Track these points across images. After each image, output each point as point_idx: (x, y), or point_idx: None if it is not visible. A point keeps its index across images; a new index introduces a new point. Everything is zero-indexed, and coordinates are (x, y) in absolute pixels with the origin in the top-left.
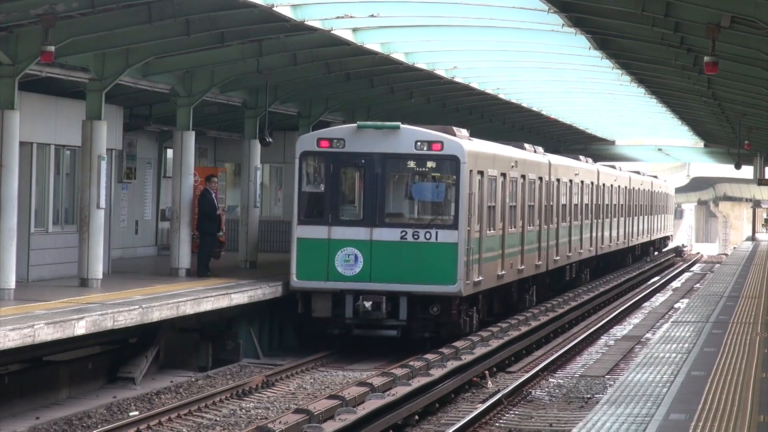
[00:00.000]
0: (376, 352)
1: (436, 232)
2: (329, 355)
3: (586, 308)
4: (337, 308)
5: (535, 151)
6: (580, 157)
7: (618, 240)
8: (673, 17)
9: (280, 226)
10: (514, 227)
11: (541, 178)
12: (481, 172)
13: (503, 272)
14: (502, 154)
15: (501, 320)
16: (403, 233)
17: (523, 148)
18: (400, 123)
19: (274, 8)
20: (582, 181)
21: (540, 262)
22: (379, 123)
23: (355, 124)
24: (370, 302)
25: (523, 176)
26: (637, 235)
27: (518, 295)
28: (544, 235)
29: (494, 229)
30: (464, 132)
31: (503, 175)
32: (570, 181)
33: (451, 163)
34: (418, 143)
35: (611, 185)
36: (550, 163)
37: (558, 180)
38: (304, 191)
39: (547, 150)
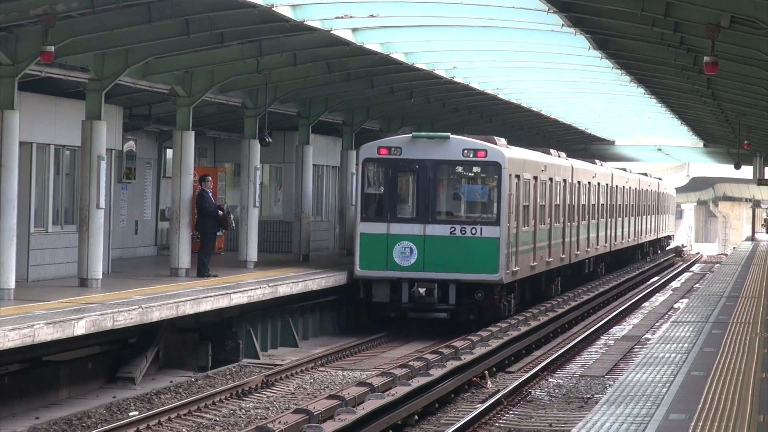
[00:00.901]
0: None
1: (481, 228)
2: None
3: (586, 308)
4: (395, 294)
5: (559, 156)
6: (596, 161)
7: (629, 237)
8: (673, 17)
9: (280, 226)
10: (544, 224)
11: (565, 181)
12: (518, 176)
13: (535, 264)
14: (534, 160)
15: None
16: (452, 229)
17: (549, 153)
18: (449, 134)
19: (273, 8)
20: (599, 183)
21: (564, 256)
22: (431, 134)
23: (411, 135)
24: (424, 289)
25: (551, 179)
26: (646, 234)
27: (546, 284)
28: (568, 232)
29: (528, 226)
30: (503, 141)
31: (535, 178)
32: (588, 183)
33: (493, 168)
34: (465, 151)
35: (623, 187)
36: (572, 167)
37: (579, 182)
38: (366, 192)
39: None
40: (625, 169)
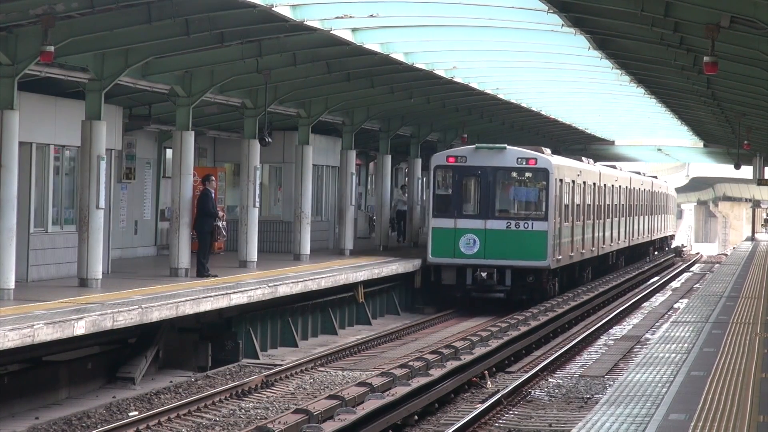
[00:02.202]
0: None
1: (532, 223)
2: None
3: (586, 308)
4: (460, 278)
5: (588, 163)
6: (616, 165)
7: (644, 234)
8: (673, 17)
9: (279, 226)
10: (579, 221)
11: (594, 184)
12: (560, 180)
13: (572, 254)
14: (572, 166)
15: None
16: (508, 224)
17: (581, 160)
18: (506, 145)
19: (273, 8)
20: (620, 186)
21: (593, 248)
22: (491, 145)
23: (474, 146)
24: (485, 273)
25: (584, 182)
26: (656, 231)
27: (579, 272)
28: (596, 228)
29: (568, 222)
30: (548, 150)
31: (572, 181)
32: (612, 185)
33: (542, 174)
34: (519, 159)
35: (639, 188)
36: (600, 172)
37: (605, 185)
38: (437, 194)
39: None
40: (639, 172)
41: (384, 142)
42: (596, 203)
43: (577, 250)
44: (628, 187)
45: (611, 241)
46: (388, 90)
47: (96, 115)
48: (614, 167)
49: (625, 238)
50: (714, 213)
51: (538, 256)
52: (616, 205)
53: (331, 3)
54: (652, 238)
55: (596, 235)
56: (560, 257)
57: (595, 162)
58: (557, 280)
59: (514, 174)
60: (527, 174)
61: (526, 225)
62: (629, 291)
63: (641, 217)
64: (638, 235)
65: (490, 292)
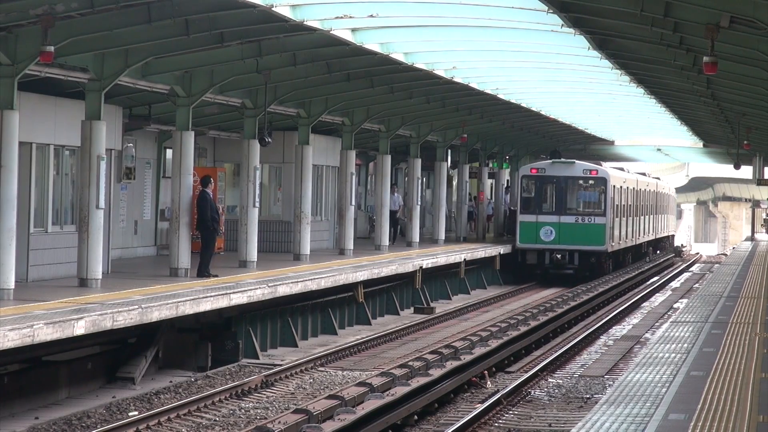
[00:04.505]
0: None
1: (594, 218)
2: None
3: (586, 308)
4: (540, 259)
5: (628, 171)
6: (645, 171)
7: (664, 230)
8: (672, 17)
9: (279, 226)
10: (624, 217)
11: (633, 188)
12: (614, 186)
13: (620, 242)
14: (620, 175)
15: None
16: (577, 218)
17: (622, 170)
18: (575, 160)
19: (273, 8)
20: (649, 189)
21: (632, 239)
22: (564, 160)
23: (551, 161)
24: (559, 255)
25: (627, 187)
26: (671, 228)
27: (623, 257)
28: (635, 223)
29: (618, 217)
30: (604, 164)
31: (620, 187)
32: (643, 189)
33: (602, 181)
34: (584, 170)
35: (660, 192)
36: (637, 179)
37: (640, 189)
38: (523, 196)
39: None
40: (659, 178)
41: (384, 142)
42: (634, 204)
43: (623, 239)
44: (654, 190)
45: (644, 234)
46: (388, 90)
47: (96, 115)
48: (644, 174)
49: (652, 232)
50: (714, 213)
51: (598, 243)
52: (646, 205)
53: (331, 3)
54: (668, 234)
55: (634, 228)
56: (613, 244)
57: (618, 168)
58: (611, 261)
59: (581, 181)
60: (590, 181)
61: (589, 219)
62: (629, 291)
63: (662, 215)
64: (660, 230)
65: (562, 269)
